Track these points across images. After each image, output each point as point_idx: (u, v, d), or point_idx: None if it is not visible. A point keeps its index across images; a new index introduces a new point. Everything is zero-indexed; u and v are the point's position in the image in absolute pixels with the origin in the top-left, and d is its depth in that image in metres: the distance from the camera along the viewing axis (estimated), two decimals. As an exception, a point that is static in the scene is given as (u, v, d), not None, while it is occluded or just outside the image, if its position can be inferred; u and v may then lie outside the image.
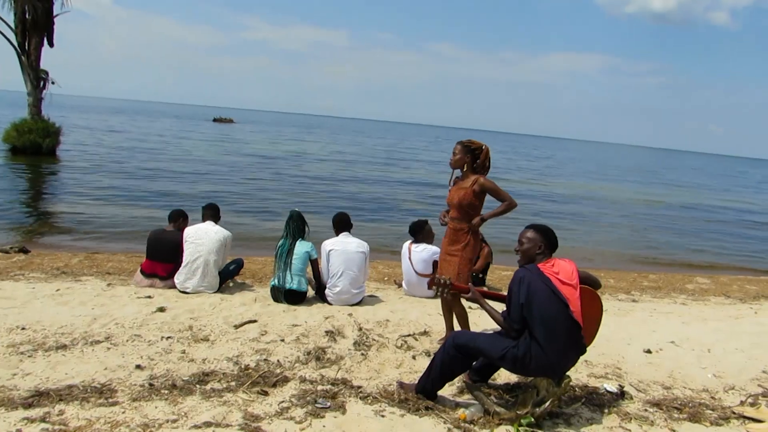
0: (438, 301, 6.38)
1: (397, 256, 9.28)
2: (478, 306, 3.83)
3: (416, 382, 3.87)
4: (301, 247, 5.97)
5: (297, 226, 6.04)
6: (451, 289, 3.85)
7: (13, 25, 20.65)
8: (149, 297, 5.66)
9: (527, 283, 3.41)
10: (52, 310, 5.08)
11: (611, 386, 4.25)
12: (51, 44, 21.79)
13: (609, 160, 75.05)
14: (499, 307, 3.71)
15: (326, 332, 5.01)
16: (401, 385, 3.90)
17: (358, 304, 6.10)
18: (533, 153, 69.08)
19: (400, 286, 7.19)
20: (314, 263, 6.08)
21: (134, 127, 48.94)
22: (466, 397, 3.90)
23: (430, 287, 3.88)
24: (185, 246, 5.90)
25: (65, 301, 5.34)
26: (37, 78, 21.38)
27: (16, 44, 20.85)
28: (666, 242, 14.92)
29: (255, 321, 5.18)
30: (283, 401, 3.60)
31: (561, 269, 3.51)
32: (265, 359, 4.31)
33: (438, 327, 5.39)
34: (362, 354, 4.57)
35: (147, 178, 17.62)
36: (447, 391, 3.92)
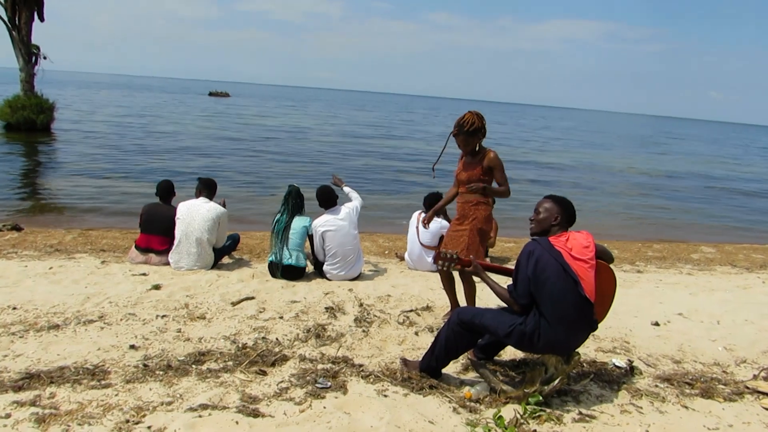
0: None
1: (397, 229, 9.16)
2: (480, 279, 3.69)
3: (419, 359, 3.75)
4: (299, 222, 5.82)
5: (296, 203, 5.88)
6: (457, 264, 3.70)
7: (2, 0, 20.20)
8: (144, 274, 5.52)
9: (536, 257, 3.26)
10: (45, 288, 4.94)
11: (620, 361, 4.13)
12: (41, 18, 21.35)
13: (607, 128, 74.46)
14: (503, 281, 3.56)
15: (326, 309, 4.88)
16: (404, 362, 3.78)
17: (358, 278, 5.97)
18: (531, 123, 68.55)
19: (401, 259, 7.05)
20: (311, 239, 5.93)
21: (129, 101, 48.39)
22: (471, 375, 3.79)
23: (436, 261, 3.72)
24: (177, 223, 5.73)
25: (58, 280, 5.20)
26: (28, 53, 20.98)
27: (6, 19, 20.41)
28: (668, 211, 14.78)
29: (253, 298, 5.05)
30: (282, 381, 3.48)
31: (575, 244, 3.34)
32: (263, 337, 4.18)
33: (441, 302, 5.27)
34: (363, 331, 4.44)
35: (142, 154, 17.38)
36: (451, 368, 3.79)
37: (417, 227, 6.58)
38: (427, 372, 3.64)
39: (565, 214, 3.44)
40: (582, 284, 3.22)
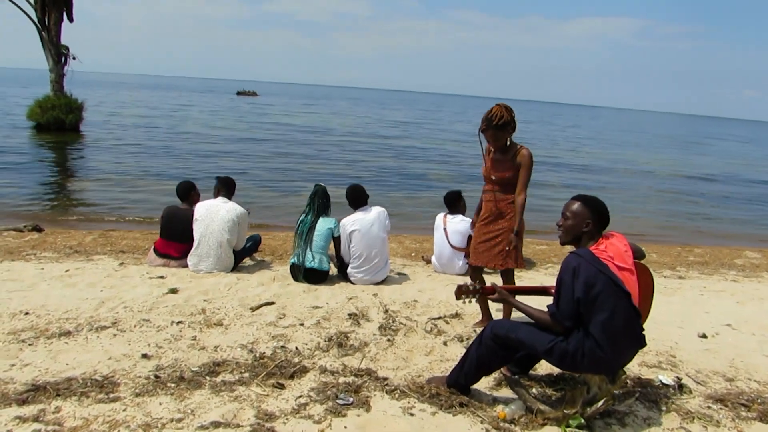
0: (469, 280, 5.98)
1: (426, 230, 8.88)
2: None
3: (446, 374, 3.47)
4: (324, 224, 5.58)
5: (322, 203, 5.64)
6: (481, 294, 3.43)
7: (32, 1, 20.45)
8: (162, 277, 5.35)
9: (584, 275, 2.93)
10: (59, 292, 4.79)
11: (667, 378, 3.80)
12: (71, 19, 21.59)
13: (640, 127, 72.86)
14: (532, 300, 3.27)
15: (349, 315, 4.63)
16: (430, 380, 3.51)
17: (384, 282, 5.71)
18: (562, 122, 67.47)
19: (428, 262, 6.77)
20: (337, 240, 5.69)
21: (158, 102, 48.94)
22: (504, 392, 3.50)
23: (458, 297, 3.44)
24: (195, 225, 5.54)
25: (73, 283, 5.04)
26: (58, 54, 21.23)
27: (36, 20, 20.68)
28: (708, 213, 14.20)
29: (273, 303, 4.83)
30: (300, 396, 3.24)
31: (614, 251, 3.02)
32: (282, 346, 3.95)
33: (471, 309, 4.98)
34: (388, 340, 4.18)
35: (169, 153, 17.38)
36: (483, 383, 3.50)
37: (444, 229, 6.29)
38: (456, 388, 3.36)
39: (597, 218, 3.11)
40: (632, 295, 2.91)
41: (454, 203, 6.35)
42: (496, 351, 3.23)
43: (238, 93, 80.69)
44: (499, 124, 4.14)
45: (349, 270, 5.63)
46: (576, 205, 3.17)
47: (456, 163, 19.92)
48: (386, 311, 4.80)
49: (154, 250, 5.79)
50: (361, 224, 5.59)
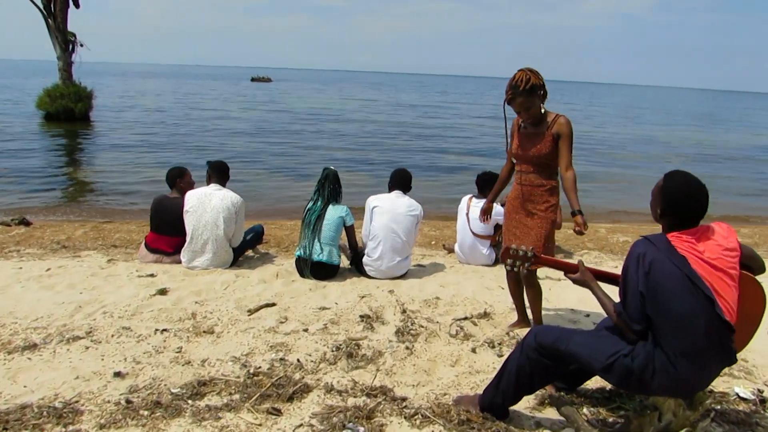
0: (501, 272, 5.32)
1: (446, 216, 8.22)
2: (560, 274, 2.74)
3: (479, 393, 2.85)
4: (335, 212, 4.94)
5: (333, 189, 5.00)
6: (533, 264, 2.77)
7: (37, -13, 19.98)
8: (152, 276, 4.76)
9: (648, 264, 2.28)
10: (33, 296, 4.23)
11: (744, 390, 3.13)
12: (77, 5, 21.05)
13: (664, 104, 70.83)
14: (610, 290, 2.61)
15: (361, 317, 4.02)
16: (458, 400, 2.88)
17: (402, 277, 5.07)
18: (588, 100, 65.84)
19: (450, 251, 6.12)
20: (350, 230, 5.05)
21: (170, 89, 48.58)
22: (548, 412, 2.86)
23: (503, 260, 2.79)
24: (185, 217, 4.93)
25: (51, 285, 4.48)
26: (65, 41, 20.75)
27: (41, 6, 20.19)
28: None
29: (273, 304, 4.22)
30: (300, 425, 2.65)
31: (709, 245, 2.33)
32: (281, 358, 3.35)
33: (501, 306, 4.34)
34: (407, 348, 3.55)
35: (179, 141, 16.78)
36: (522, 403, 2.86)
37: (467, 214, 5.62)
38: (491, 411, 2.73)
39: (667, 208, 2.38)
40: (719, 302, 2.23)
41: (486, 186, 5.62)
42: (542, 365, 2.58)
43: (252, 79, 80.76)
44: (527, 89, 3.45)
45: (364, 259, 5.00)
46: (657, 185, 2.47)
47: (478, 143, 19.12)
48: (404, 311, 4.17)
49: (145, 245, 5.21)
50: (387, 203, 5.01)
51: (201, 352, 3.42)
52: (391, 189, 5.15)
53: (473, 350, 3.56)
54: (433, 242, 6.67)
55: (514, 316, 4.05)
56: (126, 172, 11.56)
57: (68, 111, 20.63)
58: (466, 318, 4.07)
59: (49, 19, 20.31)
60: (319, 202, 4.98)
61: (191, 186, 5.23)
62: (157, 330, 3.68)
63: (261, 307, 4.13)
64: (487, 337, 3.76)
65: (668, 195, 2.38)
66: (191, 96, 40.17)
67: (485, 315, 4.15)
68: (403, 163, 13.93)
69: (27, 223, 6.54)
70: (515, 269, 2.83)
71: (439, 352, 3.52)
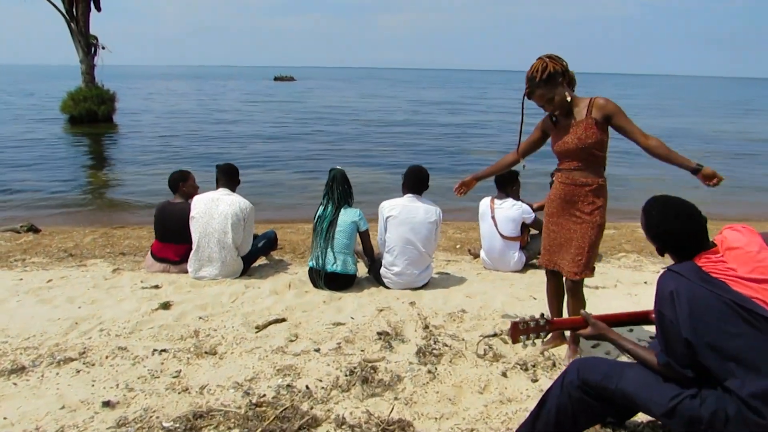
0: (531, 278, 4.91)
1: (471, 215, 7.80)
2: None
3: (512, 429, 2.46)
4: (347, 216, 4.57)
5: (343, 190, 4.61)
6: (548, 330, 2.37)
7: (59, -8, 20.06)
8: (156, 287, 4.46)
9: (686, 304, 1.88)
10: (28, 311, 3.96)
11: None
12: (98, 8, 21.13)
13: (702, 94, 68.79)
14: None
15: (379, 334, 3.65)
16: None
17: (424, 286, 4.69)
18: (613, 91, 64.43)
19: (476, 257, 5.72)
20: (364, 236, 4.68)
21: (193, 90, 48.82)
22: (594, 455, 2.46)
23: (515, 341, 2.36)
24: (192, 224, 4.62)
25: (50, 298, 4.20)
26: (87, 44, 20.85)
27: (63, 11, 20.27)
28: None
29: (283, 320, 3.88)
30: (305, 469, 2.29)
31: (736, 257, 1.95)
32: (288, 384, 3.00)
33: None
34: (429, 371, 3.18)
35: (203, 142, 16.57)
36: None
37: (493, 217, 5.21)
38: (526, 454, 2.34)
39: (667, 234, 2.09)
40: None
41: (507, 185, 5.22)
42: (586, 405, 2.19)
43: (276, 78, 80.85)
44: (544, 78, 3.06)
45: (382, 271, 4.63)
46: (642, 223, 2.21)
47: (501, 140, 18.59)
48: (426, 327, 3.80)
49: (151, 254, 4.91)
50: (403, 211, 4.56)
51: (201, 376, 3.09)
52: (405, 191, 4.72)
53: (503, 374, 3.17)
54: (458, 246, 6.27)
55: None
56: (144, 175, 11.39)
57: (91, 114, 20.73)
58: (495, 335, 3.68)
59: (72, 23, 20.39)
60: (329, 207, 4.60)
61: (195, 190, 4.93)
62: (155, 350, 3.36)
63: (270, 323, 3.80)
64: (519, 358, 3.36)
65: (656, 228, 2.13)
66: (214, 96, 40.26)
67: (516, 331, 3.74)
68: (426, 161, 13.52)
69: (36, 230, 6.32)
70: (529, 344, 2.39)
71: (465, 377, 3.13)
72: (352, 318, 3.93)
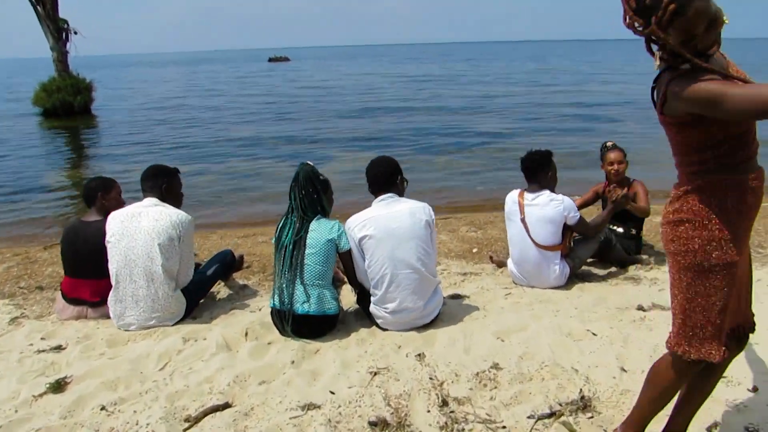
0: (580, 298, 3.36)
1: (486, 206, 6.48)
2: None
3: None
4: (320, 233, 3.21)
5: (308, 195, 3.24)
6: None
7: (20, -28, 18.52)
8: (58, 349, 3.14)
9: None
10: None
11: None
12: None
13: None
14: None
15: (371, 425, 2.35)
16: None
17: (433, 323, 3.35)
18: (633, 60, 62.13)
19: (500, 266, 4.39)
20: (346, 258, 3.33)
21: (182, 77, 47.10)
22: None
23: None
24: (108, 250, 3.31)
25: None
26: (57, 29, 19.32)
27: (27, -6, 18.73)
28: None
29: (227, 406, 2.55)
30: None
31: None
32: None
33: (605, 375, 2.60)
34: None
35: (188, 133, 15.02)
36: None
37: (523, 219, 3.85)
38: None
39: None
40: None
41: (538, 170, 3.85)
42: None
43: (270, 60, 79.42)
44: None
45: (371, 308, 3.31)
46: None
47: (515, 113, 17.07)
48: (444, 403, 2.49)
49: (62, 294, 3.60)
50: (377, 222, 3.22)
51: None
52: (374, 193, 3.36)
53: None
54: (474, 249, 4.92)
55: (628, 401, 2.30)
56: (117, 173, 10.00)
57: (67, 105, 19.23)
58: (552, 414, 2.37)
59: (38, 7, 18.83)
60: (293, 220, 3.25)
61: (120, 205, 3.57)
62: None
63: (206, 413, 2.49)
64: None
65: None
66: (203, 81, 38.57)
67: (585, 406, 2.42)
68: (428, 140, 12.09)
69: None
70: None
71: None
72: (332, 393, 2.60)
